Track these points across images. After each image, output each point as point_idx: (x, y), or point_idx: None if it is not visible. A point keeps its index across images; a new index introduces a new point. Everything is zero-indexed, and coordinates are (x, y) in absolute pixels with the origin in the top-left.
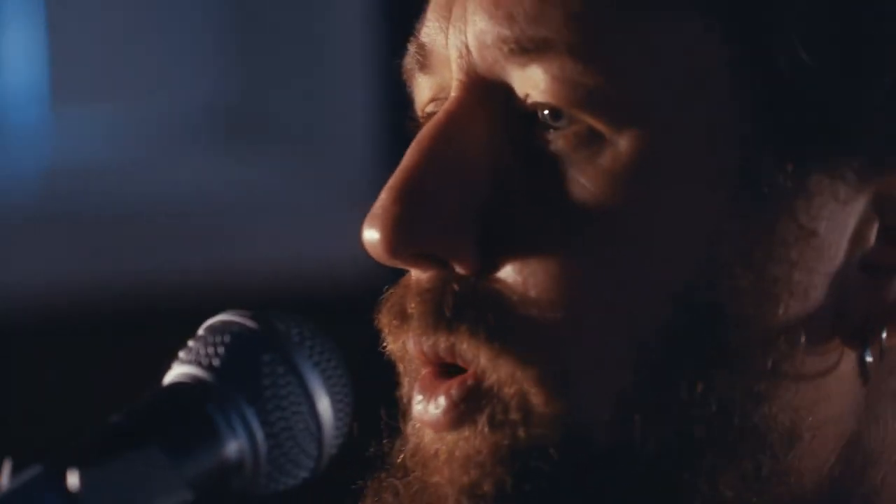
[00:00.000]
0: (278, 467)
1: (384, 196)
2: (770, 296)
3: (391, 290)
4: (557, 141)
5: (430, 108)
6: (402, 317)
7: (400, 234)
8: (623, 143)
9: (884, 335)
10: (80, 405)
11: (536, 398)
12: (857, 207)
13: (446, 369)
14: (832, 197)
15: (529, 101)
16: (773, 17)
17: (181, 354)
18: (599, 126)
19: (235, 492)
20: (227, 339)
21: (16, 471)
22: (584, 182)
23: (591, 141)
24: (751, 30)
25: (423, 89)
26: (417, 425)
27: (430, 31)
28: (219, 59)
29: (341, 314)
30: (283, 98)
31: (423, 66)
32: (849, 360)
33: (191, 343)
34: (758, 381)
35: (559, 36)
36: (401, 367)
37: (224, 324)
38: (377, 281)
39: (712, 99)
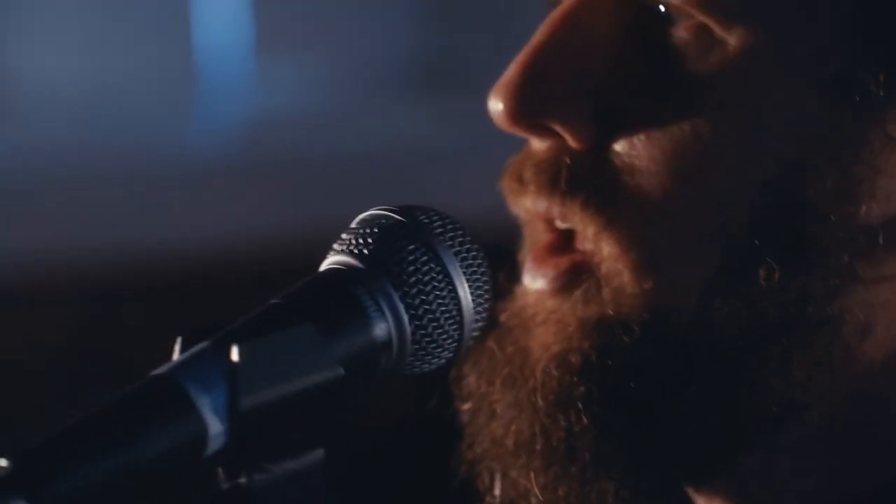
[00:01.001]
0: (423, 348)
1: (511, 70)
2: (853, 197)
3: (512, 159)
4: (673, 35)
5: None
6: (521, 182)
7: (521, 104)
8: (732, 40)
9: None
10: None
11: (628, 278)
12: None
13: (559, 243)
14: None
15: None
16: None
17: (335, 245)
18: (712, 24)
19: (384, 371)
20: (375, 230)
21: (187, 345)
22: (694, 73)
23: (704, 37)
24: None
25: None
26: (524, 289)
27: None
28: (419, 9)
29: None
30: (483, 49)
31: None
32: None
33: (344, 234)
34: (835, 275)
35: None
36: (525, 230)
37: (374, 217)
38: None
39: (815, 8)
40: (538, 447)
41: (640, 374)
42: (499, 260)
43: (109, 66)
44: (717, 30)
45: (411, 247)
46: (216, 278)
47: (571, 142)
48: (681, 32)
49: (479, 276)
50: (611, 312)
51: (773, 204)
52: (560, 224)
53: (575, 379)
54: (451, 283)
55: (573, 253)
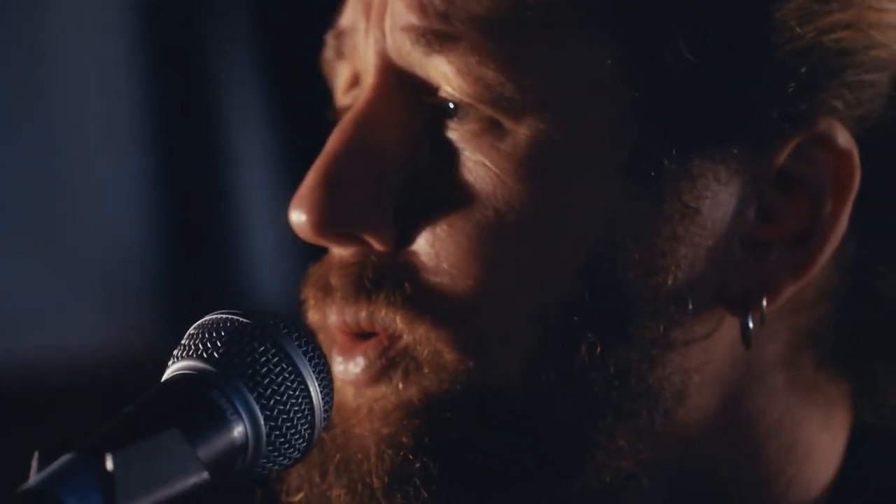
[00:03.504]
0: (276, 448)
1: (309, 179)
2: (659, 268)
3: (314, 267)
4: (463, 128)
5: (347, 98)
6: (326, 289)
7: (324, 216)
8: (522, 132)
9: (764, 303)
10: None
11: (449, 356)
12: (737, 188)
13: (363, 335)
14: (714, 179)
15: (439, 93)
16: (660, 21)
17: (175, 352)
18: (500, 117)
19: (237, 473)
20: (223, 333)
21: (43, 462)
22: (488, 165)
23: (494, 130)
24: (640, 32)
25: (341, 77)
26: (338, 384)
27: (350, 17)
28: None
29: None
30: (12, 186)
31: (341, 53)
32: (732, 327)
33: (185, 340)
34: (651, 345)
35: (464, 33)
36: (321, 337)
37: (217, 321)
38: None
39: (605, 95)
40: None
41: (473, 450)
42: None
43: None
44: (506, 122)
45: (262, 348)
46: None
47: (375, 245)
48: (472, 126)
49: (325, 375)
50: (434, 391)
51: (585, 283)
52: (366, 329)
53: (410, 457)
54: (303, 382)
55: (378, 337)
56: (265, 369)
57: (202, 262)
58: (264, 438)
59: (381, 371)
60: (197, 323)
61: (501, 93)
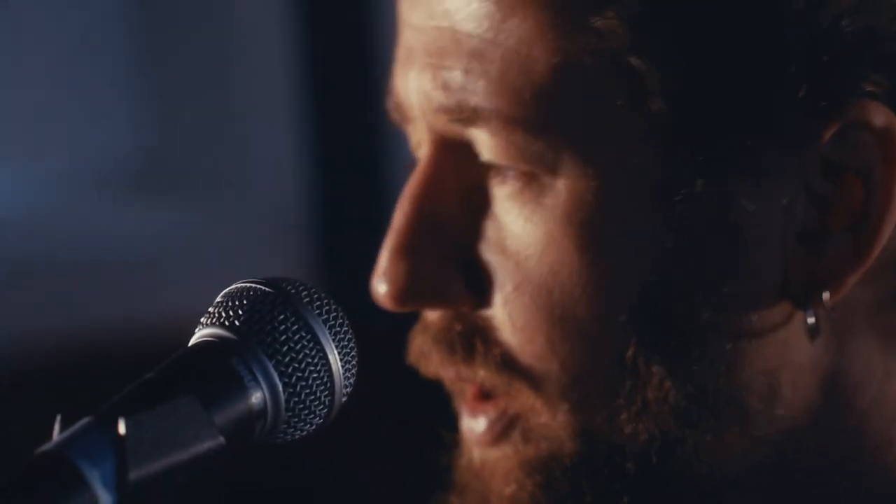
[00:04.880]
0: (296, 415)
1: (384, 256)
2: (717, 280)
3: (414, 330)
4: (508, 187)
5: (418, 152)
6: (424, 355)
7: (403, 289)
8: (560, 183)
9: (825, 296)
10: None
11: (543, 414)
12: (784, 185)
13: (483, 391)
14: (757, 181)
15: (482, 157)
16: (672, 47)
17: (202, 319)
18: (538, 173)
19: (258, 438)
20: (245, 301)
21: (65, 424)
22: (535, 221)
23: (535, 185)
24: (654, 60)
25: (411, 134)
26: (468, 443)
27: (398, 88)
28: (138, 110)
29: None
30: (203, 145)
31: (403, 118)
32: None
33: (211, 308)
34: (724, 355)
35: (488, 104)
36: (448, 386)
37: (241, 289)
38: None
39: (632, 138)
40: None
41: (581, 495)
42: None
43: None
44: (544, 177)
45: (281, 316)
46: None
47: (458, 307)
48: (515, 184)
49: (346, 343)
50: (544, 447)
51: (646, 312)
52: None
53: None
54: (321, 350)
55: (498, 400)
56: (284, 337)
57: (357, 208)
58: (283, 404)
59: (501, 433)
60: (224, 291)
61: (533, 151)
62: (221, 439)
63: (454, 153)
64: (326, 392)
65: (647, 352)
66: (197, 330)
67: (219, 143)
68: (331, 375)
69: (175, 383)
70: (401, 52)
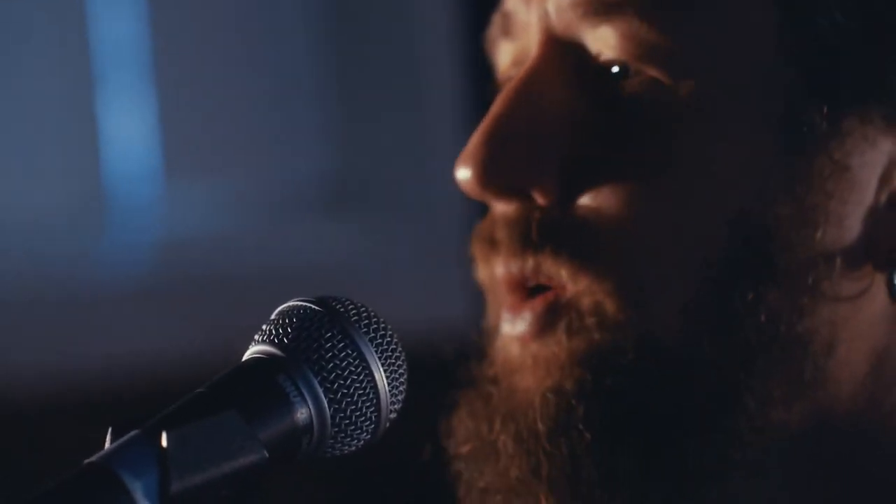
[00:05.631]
0: (343, 430)
1: (475, 138)
2: (809, 222)
3: (479, 225)
4: (625, 89)
5: (511, 72)
6: (492, 243)
7: (489, 170)
8: (682, 90)
9: None
10: None
11: (611, 307)
12: (885, 149)
13: (529, 293)
14: (863, 138)
15: (602, 58)
16: None
17: (256, 336)
18: (661, 76)
19: (306, 452)
20: (294, 320)
21: (118, 433)
22: (649, 122)
23: (655, 89)
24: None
25: (505, 54)
26: (505, 342)
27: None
28: (327, 131)
29: (437, 379)
30: (386, 167)
31: (506, 32)
32: (880, 283)
33: (264, 326)
34: (801, 296)
35: (628, 1)
36: (489, 296)
37: (292, 307)
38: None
39: (760, 54)
40: (543, 473)
41: (634, 395)
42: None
43: (16, 193)
44: (666, 81)
45: (328, 334)
46: (127, 401)
47: (539, 199)
48: (633, 86)
49: (394, 360)
50: (596, 339)
51: (739, 234)
52: (531, 283)
53: (573, 402)
54: (367, 367)
55: (546, 293)
56: (330, 354)
57: None
58: (328, 420)
59: (546, 324)
60: (277, 309)
61: (664, 54)
62: (265, 453)
63: (566, 54)
64: (373, 409)
65: (733, 267)
66: (251, 346)
67: (402, 165)
68: (377, 392)
69: (221, 398)
70: None
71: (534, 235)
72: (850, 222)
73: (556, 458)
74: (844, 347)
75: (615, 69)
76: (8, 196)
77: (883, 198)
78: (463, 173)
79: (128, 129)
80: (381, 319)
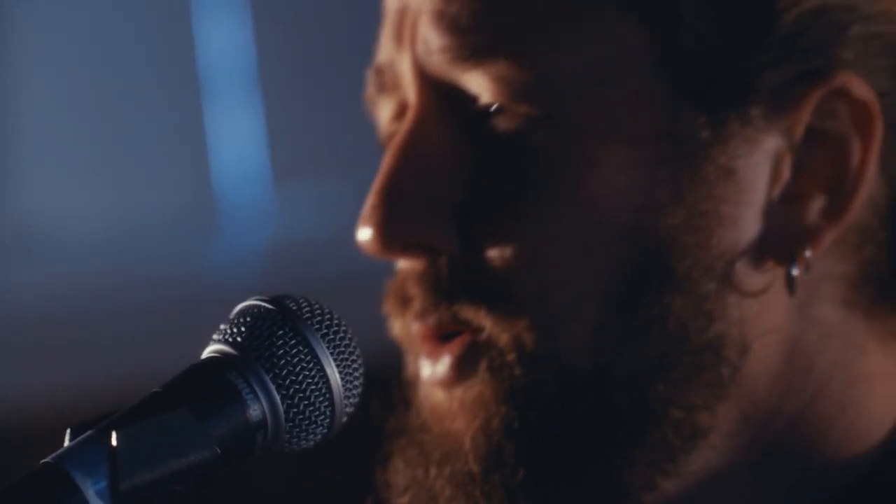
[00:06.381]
0: (297, 425)
1: (370, 200)
2: (703, 228)
3: (390, 283)
4: (503, 127)
5: (393, 127)
6: (405, 300)
7: (387, 231)
8: (559, 120)
9: (807, 253)
10: None
11: (529, 340)
12: (769, 147)
13: (444, 338)
14: (744, 140)
15: (481, 101)
16: (672, 2)
17: (213, 336)
18: (534, 112)
19: (262, 448)
20: (248, 319)
21: (75, 434)
22: (529, 158)
23: (532, 123)
24: (655, 13)
25: (385, 110)
26: (428, 389)
27: (386, 51)
28: None
29: None
30: None
31: (382, 88)
32: (782, 277)
33: (222, 326)
34: (706, 301)
35: (493, 43)
36: (406, 349)
37: (248, 307)
38: None
39: (631, 72)
40: None
41: (559, 425)
42: None
43: (128, 201)
44: (537, 114)
45: (280, 332)
46: None
47: (443, 252)
48: (511, 124)
49: (347, 356)
50: (518, 374)
51: (634, 249)
52: (445, 331)
53: (502, 440)
54: (318, 362)
55: (462, 336)
56: (282, 351)
57: None
58: (282, 415)
59: (466, 367)
60: (235, 309)
61: (537, 90)
62: (216, 449)
63: (447, 99)
64: (326, 403)
65: (633, 288)
66: (208, 346)
67: None
68: (329, 387)
69: (174, 397)
70: (392, 15)
71: (445, 286)
72: (746, 222)
73: (494, 497)
74: (758, 344)
75: (491, 109)
76: (123, 204)
77: (775, 194)
78: (363, 236)
79: (236, 134)
80: (336, 317)
